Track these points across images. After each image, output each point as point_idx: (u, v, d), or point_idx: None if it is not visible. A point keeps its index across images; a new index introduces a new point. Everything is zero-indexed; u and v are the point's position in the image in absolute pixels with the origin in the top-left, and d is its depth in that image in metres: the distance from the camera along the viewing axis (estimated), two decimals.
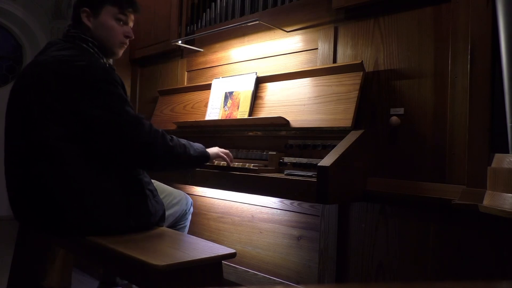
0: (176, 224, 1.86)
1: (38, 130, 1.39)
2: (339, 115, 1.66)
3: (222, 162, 1.82)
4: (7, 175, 1.51)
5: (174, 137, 1.51)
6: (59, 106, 1.37)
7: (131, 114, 1.41)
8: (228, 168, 1.77)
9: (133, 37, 1.68)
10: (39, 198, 1.39)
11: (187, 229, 1.95)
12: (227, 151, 1.81)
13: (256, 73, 2.04)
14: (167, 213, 1.67)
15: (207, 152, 1.64)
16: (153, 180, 1.70)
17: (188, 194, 2.41)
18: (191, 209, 1.97)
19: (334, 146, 1.56)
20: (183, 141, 1.54)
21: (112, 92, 1.41)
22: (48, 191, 1.37)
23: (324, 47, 1.86)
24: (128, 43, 1.67)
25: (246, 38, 2.24)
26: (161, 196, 1.68)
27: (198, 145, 1.61)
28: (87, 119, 1.37)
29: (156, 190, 1.62)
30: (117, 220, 1.43)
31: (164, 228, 1.60)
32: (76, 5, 1.60)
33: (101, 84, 1.40)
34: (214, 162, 1.84)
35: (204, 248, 1.35)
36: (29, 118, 1.41)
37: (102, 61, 1.58)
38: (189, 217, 1.96)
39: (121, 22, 1.61)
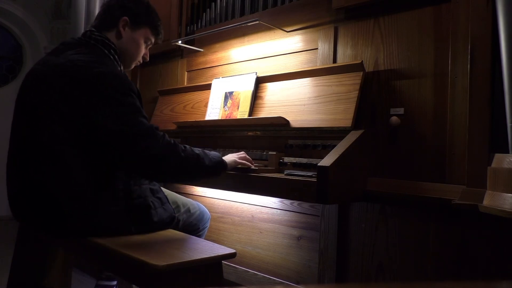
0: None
1: (43, 131, 1.38)
2: (339, 115, 1.66)
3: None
4: (8, 173, 1.50)
5: (188, 147, 1.45)
6: (68, 109, 1.36)
7: (144, 125, 1.37)
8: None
9: (148, 61, 1.77)
10: (39, 198, 1.38)
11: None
12: (243, 155, 1.72)
13: (256, 73, 2.04)
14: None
15: (224, 161, 1.55)
16: (163, 189, 1.67)
17: (188, 194, 2.41)
18: (207, 224, 1.83)
19: (334, 146, 1.56)
20: (197, 150, 1.47)
21: (126, 103, 1.38)
22: (49, 192, 1.37)
23: (324, 47, 1.86)
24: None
25: (246, 38, 2.24)
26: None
27: (214, 154, 1.53)
28: (97, 127, 1.34)
29: (166, 197, 1.59)
30: (118, 225, 1.42)
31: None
32: (116, 10, 1.59)
33: (116, 93, 1.37)
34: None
35: (204, 248, 1.35)
36: (36, 118, 1.40)
37: (119, 69, 1.57)
38: (203, 233, 1.82)
39: (146, 45, 1.70)
